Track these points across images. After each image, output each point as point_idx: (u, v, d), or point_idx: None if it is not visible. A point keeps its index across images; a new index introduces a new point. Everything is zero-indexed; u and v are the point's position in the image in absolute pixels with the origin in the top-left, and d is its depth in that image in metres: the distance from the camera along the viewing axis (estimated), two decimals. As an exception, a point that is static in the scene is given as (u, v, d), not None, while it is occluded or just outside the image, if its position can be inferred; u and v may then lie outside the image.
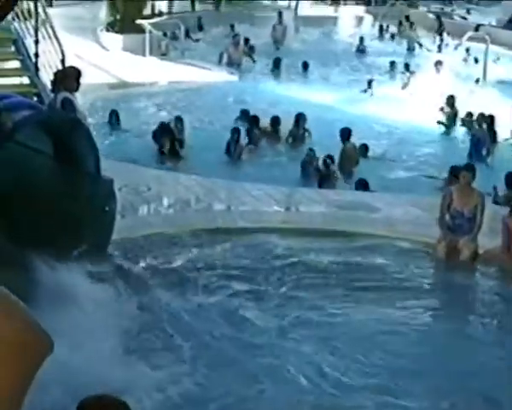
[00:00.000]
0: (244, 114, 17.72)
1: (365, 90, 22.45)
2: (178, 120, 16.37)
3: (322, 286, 9.27)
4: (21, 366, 1.54)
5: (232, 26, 30.97)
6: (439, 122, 18.69)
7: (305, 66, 26.13)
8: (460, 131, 18.64)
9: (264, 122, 17.04)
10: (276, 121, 17.00)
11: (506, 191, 12.72)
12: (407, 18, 34.75)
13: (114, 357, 7.39)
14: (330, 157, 14.35)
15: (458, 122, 18.81)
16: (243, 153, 15.72)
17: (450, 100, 19.08)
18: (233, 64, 25.91)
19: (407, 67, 25.32)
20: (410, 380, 7.50)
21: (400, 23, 34.59)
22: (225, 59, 26.24)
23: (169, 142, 15.28)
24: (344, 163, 14.94)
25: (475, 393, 7.38)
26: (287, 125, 16.94)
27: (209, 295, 8.99)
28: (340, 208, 11.54)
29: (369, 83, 22.73)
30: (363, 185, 13.15)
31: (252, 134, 16.44)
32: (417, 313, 8.93)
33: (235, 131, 16.04)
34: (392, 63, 26.60)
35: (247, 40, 27.75)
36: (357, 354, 7.85)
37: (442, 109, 19.04)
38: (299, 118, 17.03)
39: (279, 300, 8.99)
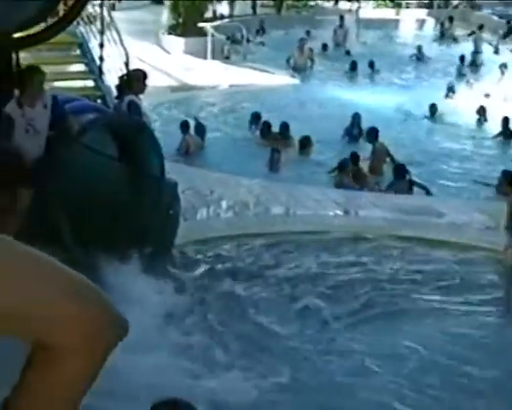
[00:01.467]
0: (255, 118, 17.63)
1: (446, 95, 22.12)
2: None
3: (387, 292, 9.19)
4: (95, 354, 1.52)
5: (308, 32, 30.78)
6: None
7: (372, 66, 26.10)
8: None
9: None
10: (285, 127, 16.73)
11: None
12: (450, 19, 34.54)
13: (175, 362, 7.44)
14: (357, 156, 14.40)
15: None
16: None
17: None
18: (299, 68, 25.75)
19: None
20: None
21: (450, 20, 34.36)
22: (292, 63, 26.06)
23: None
24: (374, 163, 14.83)
25: None
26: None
27: (270, 297, 8.98)
28: (403, 213, 11.42)
29: (450, 88, 22.41)
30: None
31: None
32: (487, 324, 8.71)
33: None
34: (461, 62, 26.06)
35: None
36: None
37: (487, 96, 18.88)
38: (355, 117, 17.27)
39: (351, 303, 8.93)
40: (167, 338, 7.81)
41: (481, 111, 19.27)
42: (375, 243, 10.46)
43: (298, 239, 10.45)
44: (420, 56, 29.18)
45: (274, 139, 16.38)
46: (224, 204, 11.82)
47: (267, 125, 16.95)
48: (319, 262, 9.85)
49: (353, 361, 7.85)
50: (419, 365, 7.71)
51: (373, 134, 15.36)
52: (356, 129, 17.05)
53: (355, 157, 14.44)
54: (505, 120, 17.88)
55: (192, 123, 16.58)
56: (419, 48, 29.53)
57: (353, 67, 26.17)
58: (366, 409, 7.12)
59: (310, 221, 11.06)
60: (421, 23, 36.97)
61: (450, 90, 22.26)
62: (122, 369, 6.37)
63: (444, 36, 34.56)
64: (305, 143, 16.10)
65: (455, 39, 33.64)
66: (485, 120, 19.23)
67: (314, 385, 7.45)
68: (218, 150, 16.12)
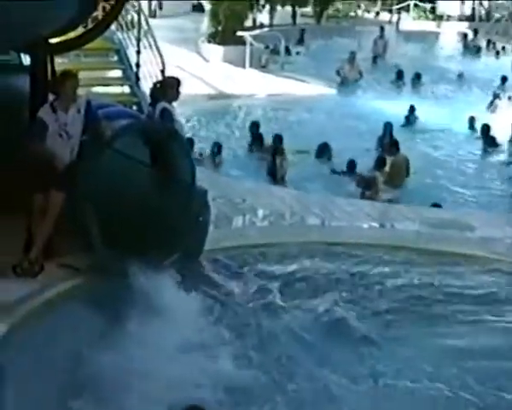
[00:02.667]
0: (254, 126, 17.51)
1: (488, 108, 21.99)
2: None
3: (421, 306, 9.16)
4: None
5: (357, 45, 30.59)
6: None
7: (418, 77, 25.98)
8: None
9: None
10: (278, 139, 16.53)
11: None
12: (475, 31, 34.28)
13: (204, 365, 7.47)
14: None
15: None
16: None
17: None
18: (348, 81, 25.47)
19: None
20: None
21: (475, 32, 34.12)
22: (342, 76, 25.69)
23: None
24: (393, 175, 14.76)
25: None
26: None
27: (299, 307, 8.97)
28: (433, 227, 11.34)
29: (494, 98, 22.28)
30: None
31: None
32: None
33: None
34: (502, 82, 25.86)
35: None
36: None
37: None
38: (387, 127, 17.33)
39: (383, 315, 8.94)
40: (197, 344, 7.84)
41: None
42: (408, 255, 10.42)
43: (331, 249, 10.44)
44: (460, 73, 28.52)
45: (266, 151, 16.27)
46: (258, 213, 11.83)
47: (260, 136, 16.85)
48: (352, 272, 9.84)
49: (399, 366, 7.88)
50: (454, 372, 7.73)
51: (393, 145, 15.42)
52: (387, 138, 16.98)
53: (380, 161, 14.50)
54: None
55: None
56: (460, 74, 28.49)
57: (399, 76, 26.02)
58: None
59: (343, 232, 11.02)
60: (463, 36, 36.61)
61: (492, 104, 22.14)
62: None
63: (467, 48, 34.30)
64: (323, 149, 16.17)
65: (478, 51, 33.36)
66: None
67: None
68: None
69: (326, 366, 7.88)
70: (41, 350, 7.09)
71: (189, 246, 9.13)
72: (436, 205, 13.11)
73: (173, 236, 8.91)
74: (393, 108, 21.09)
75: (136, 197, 8.84)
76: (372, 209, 12.16)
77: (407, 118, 20.26)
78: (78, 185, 8.36)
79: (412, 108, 20.57)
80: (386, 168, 14.88)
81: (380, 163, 14.94)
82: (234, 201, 11.87)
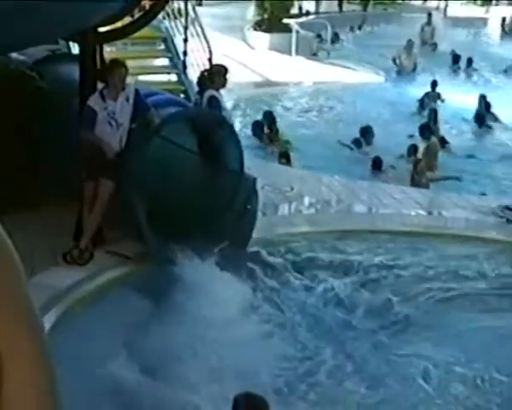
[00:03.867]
0: (267, 116, 17.11)
1: None
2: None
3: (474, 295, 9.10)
4: None
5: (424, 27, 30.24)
6: None
7: (470, 62, 25.56)
8: None
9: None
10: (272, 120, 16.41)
11: None
12: None
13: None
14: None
15: None
16: None
17: None
18: (404, 70, 25.00)
19: None
20: None
21: None
22: (398, 65, 25.01)
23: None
24: (428, 160, 14.64)
25: None
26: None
27: (348, 295, 8.94)
28: (484, 215, 11.20)
29: None
30: None
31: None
32: None
33: None
34: None
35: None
36: None
37: None
38: (431, 113, 17.35)
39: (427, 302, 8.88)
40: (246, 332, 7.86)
41: None
42: (457, 243, 10.34)
43: (379, 237, 10.39)
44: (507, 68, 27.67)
45: (268, 138, 16.07)
46: (305, 201, 11.78)
47: (260, 125, 16.53)
48: (403, 260, 9.79)
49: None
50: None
51: (425, 131, 15.26)
52: (433, 125, 16.75)
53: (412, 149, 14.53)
54: None
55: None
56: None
57: (456, 60, 25.60)
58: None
59: (391, 220, 10.94)
60: (502, 20, 35.87)
61: None
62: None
63: (505, 32, 33.84)
64: (365, 133, 16.16)
65: None
66: None
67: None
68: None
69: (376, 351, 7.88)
70: (91, 334, 7.16)
71: (238, 234, 9.13)
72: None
73: (221, 224, 8.92)
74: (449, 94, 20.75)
75: (184, 185, 8.87)
76: (420, 196, 12.03)
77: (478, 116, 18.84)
78: (128, 173, 8.40)
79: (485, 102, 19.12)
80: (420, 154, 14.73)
81: (411, 150, 14.93)
82: (281, 188, 11.83)
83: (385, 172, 14.52)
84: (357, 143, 16.08)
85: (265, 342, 7.84)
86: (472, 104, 19.02)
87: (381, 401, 7.20)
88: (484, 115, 18.44)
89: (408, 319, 8.52)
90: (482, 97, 19.07)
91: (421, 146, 14.81)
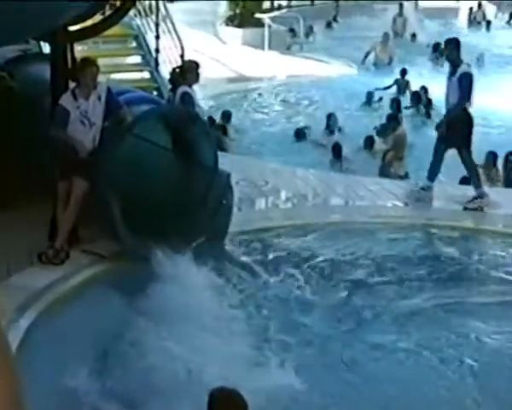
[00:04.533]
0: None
1: None
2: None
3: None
4: None
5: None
6: None
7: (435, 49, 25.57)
8: None
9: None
10: (226, 118, 16.50)
11: None
12: (479, 5, 33.93)
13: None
14: None
15: None
16: None
17: None
18: (380, 64, 24.71)
19: None
20: None
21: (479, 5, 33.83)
22: (372, 58, 24.86)
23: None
24: (397, 151, 14.73)
25: None
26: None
27: (324, 289, 8.97)
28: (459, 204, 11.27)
29: None
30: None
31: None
32: None
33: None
34: None
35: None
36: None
37: None
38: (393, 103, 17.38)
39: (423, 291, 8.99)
40: (224, 327, 7.86)
41: None
42: (434, 231, 10.42)
43: (357, 229, 10.44)
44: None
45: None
46: (281, 195, 11.78)
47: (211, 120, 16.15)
48: (382, 252, 9.87)
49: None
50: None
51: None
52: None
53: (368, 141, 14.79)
54: None
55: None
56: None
57: (436, 48, 25.39)
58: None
59: (368, 212, 10.98)
60: (469, 10, 36.02)
61: None
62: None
63: (472, 22, 34.12)
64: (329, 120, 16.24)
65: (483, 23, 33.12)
66: None
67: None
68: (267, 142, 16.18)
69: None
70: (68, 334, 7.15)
71: (213, 229, 9.13)
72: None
73: (197, 220, 8.92)
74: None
75: (158, 182, 8.85)
76: (395, 187, 12.06)
77: None
78: (101, 172, 8.37)
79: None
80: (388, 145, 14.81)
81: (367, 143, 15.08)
82: (256, 183, 11.83)
83: (345, 160, 14.62)
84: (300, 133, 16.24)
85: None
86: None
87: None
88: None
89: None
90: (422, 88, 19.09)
91: (390, 137, 14.88)
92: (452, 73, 11.03)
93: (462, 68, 10.97)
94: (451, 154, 11.18)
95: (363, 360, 7.86)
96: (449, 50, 11.33)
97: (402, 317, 8.55)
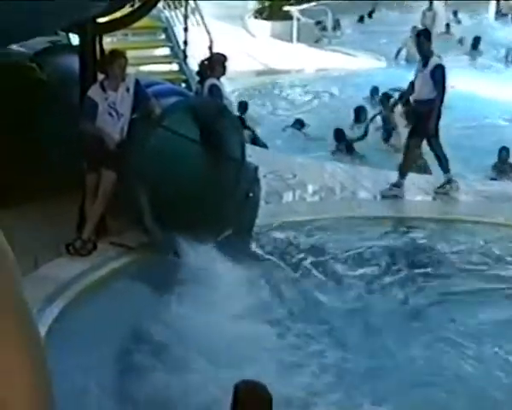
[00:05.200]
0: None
1: None
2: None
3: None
4: None
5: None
6: None
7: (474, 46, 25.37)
8: None
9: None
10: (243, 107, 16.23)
11: None
12: None
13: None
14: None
15: None
16: None
17: None
18: (411, 59, 24.57)
19: None
20: None
21: None
22: (404, 54, 24.29)
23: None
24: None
25: None
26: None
27: (350, 285, 8.96)
28: (487, 199, 11.20)
29: None
30: None
31: None
32: None
33: None
34: None
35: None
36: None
37: None
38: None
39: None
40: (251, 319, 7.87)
41: None
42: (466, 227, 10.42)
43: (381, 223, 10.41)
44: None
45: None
46: (309, 189, 11.76)
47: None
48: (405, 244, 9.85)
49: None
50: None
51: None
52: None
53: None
54: None
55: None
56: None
57: (475, 44, 25.21)
58: None
59: (394, 206, 10.94)
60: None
61: None
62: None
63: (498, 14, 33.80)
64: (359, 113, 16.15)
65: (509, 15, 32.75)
66: None
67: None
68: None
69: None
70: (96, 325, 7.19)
71: (240, 222, 9.14)
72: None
73: (224, 212, 8.93)
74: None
75: (186, 175, 8.86)
76: (423, 182, 12.00)
77: None
78: (129, 164, 8.40)
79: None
80: None
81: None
82: (284, 176, 11.81)
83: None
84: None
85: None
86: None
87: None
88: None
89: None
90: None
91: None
92: (424, 64, 11.00)
93: (434, 60, 10.93)
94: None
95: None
96: (420, 42, 11.33)
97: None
